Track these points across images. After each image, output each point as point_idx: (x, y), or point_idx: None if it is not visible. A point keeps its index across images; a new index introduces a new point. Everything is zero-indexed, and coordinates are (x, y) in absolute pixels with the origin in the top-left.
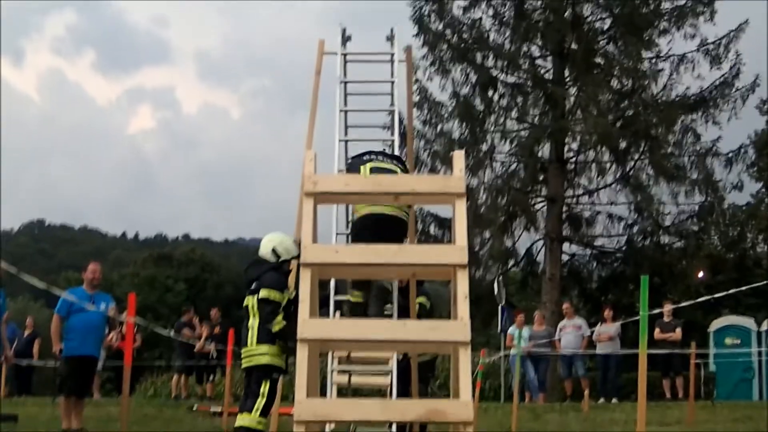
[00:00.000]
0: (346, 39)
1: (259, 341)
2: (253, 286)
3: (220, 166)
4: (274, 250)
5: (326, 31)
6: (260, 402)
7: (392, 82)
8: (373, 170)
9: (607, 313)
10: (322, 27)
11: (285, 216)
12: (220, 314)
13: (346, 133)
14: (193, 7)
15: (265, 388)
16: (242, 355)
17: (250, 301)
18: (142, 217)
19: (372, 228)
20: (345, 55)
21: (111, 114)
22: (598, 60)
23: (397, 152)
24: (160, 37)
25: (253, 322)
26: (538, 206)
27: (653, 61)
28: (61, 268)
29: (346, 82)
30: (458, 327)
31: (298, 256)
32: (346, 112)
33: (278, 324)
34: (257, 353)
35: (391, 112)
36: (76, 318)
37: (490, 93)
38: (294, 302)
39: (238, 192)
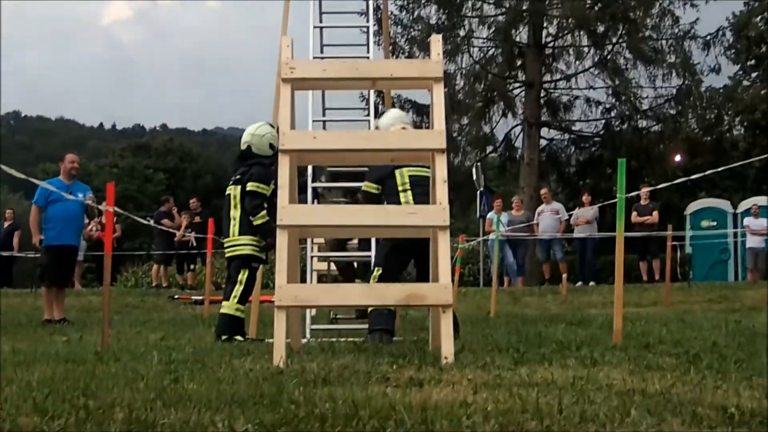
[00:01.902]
0: None
1: (242, 232)
2: (237, 176)
3: (197, 56)
4: (271, 145)
5: None
6: (238, 289)
7: None
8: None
9: (585, 197)
10: None
11: (262, 104)
12: (200, 203)
13: (321, 20)
14: None
15: (243, 275)
16: (224, 245)
17: (233, 191)
18: (119, 108)
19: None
20: None
21: (86, 3)
22: None
23: (372, 40)
24: None
25: (235, 213)
26: (516, 91)
27: None
28: (38, 160)
29: None
30: (437, 211)
31: None
32: None
33: (261, 218)
34: (239, 243)
35: None
36: (55, 208)
37: None
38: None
39: (215, 81)
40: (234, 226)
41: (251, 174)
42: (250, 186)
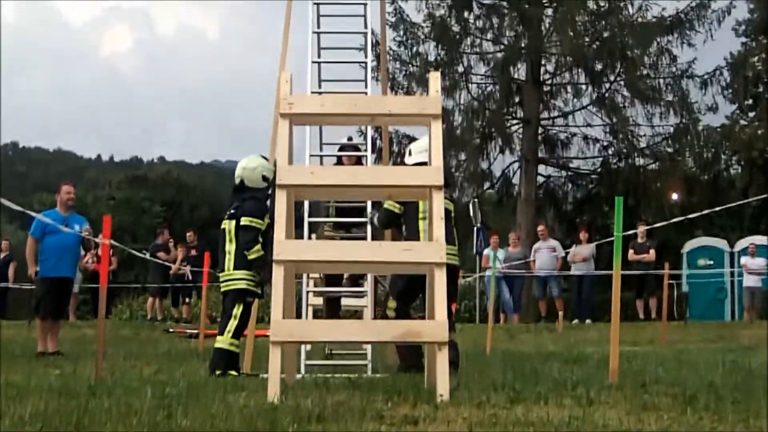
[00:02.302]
0: None
1: (236, 267)
2: (232, 211)
3: (195, 89)
4: (264, 177)
5: None
6: (232, 324)
7: (365, 4)
8: None
9: (583, 234)
10: None
11: (260, 137)
12: (196, 236)
13: (319, 55)
14: None
15: (237, 310)
16: (220, 280)
17: (228, 225)
18: (117, 139)
19: None
20: None
21: (86, 35)
22: None
23: (370, 75)
24: None
25: (230, 247)
26: (513, 128)
27: None
28: (35, 189)
29: (318, 4)
30: (433, 248)
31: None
32: (319, 33)
33: (255, 252)
34: (234, 278)
35: (365, 34)
36: (51, 239)
37: (466, 14)
38: (272, 227)
39: (213, 114)
40: (229, 261)
41: (245, 208)
42: (244, 220)
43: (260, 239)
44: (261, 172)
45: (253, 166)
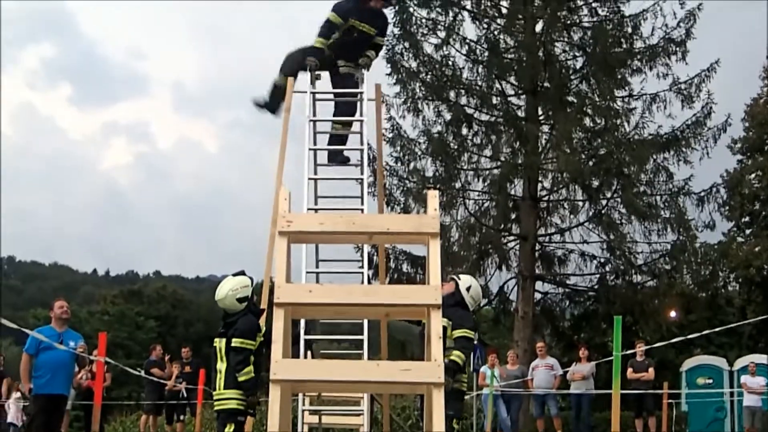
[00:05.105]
0: (315, 78)
1: (227, 386)
2: (222, 329)
3: (193, 203)
4: (239, 299)
5: None
6: None
7: (361, 121)
8: None
9: (582, 352)
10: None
11: (257, 252)
12: (191, 353)
13: (315, 172)
14: (170, 39)
15: (229, 429)
16: (213, 398)
17: (219, 344)
18: (113, 254)
19: None
20: (314, 93)
21: (85, 149)
22: (571, 98)
23: (366, 191)
24: (136, 70)
25: (221, 366)
26: (510, 244)
27: (626, 99)
28: (30, 304)
29: (315, 121)
30: (431, 368)
31: (270, 292)
32: (315, 150)
33: (246, 374)
34: (225, 398)
35: (361, 151)
36: (46, 356)
37: (464, 131)
38: (265, 343)
39: (210, 228)
40: (220, 380)
41: (236, 329)
42: (235, 342)
43: (252, 359)
44: (233, 296)
45: (223, 297)
